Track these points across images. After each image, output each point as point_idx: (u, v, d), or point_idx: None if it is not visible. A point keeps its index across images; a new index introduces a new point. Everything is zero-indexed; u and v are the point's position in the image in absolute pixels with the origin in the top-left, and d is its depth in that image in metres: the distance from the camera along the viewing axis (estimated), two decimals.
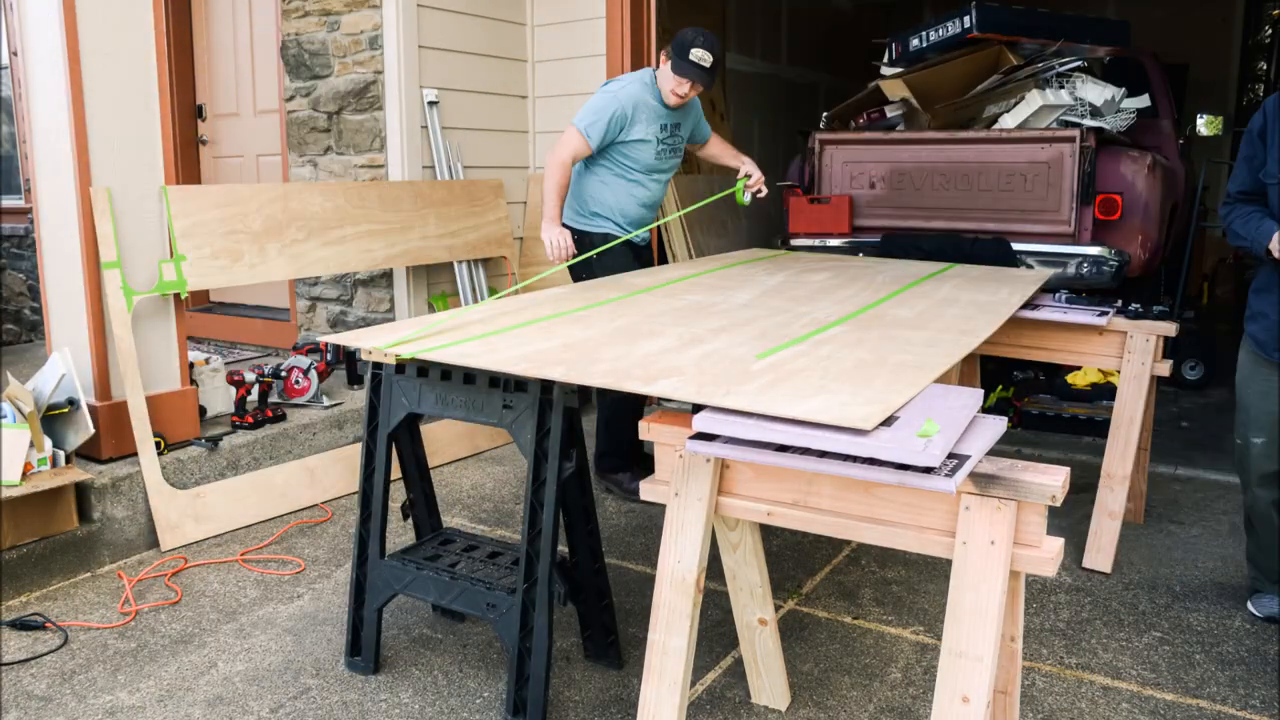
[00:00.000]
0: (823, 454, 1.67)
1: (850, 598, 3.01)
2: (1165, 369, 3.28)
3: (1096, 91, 4.82)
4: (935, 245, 4.75)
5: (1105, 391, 4.97)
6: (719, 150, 4.11)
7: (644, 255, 4.08)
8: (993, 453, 1.76)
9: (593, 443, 3.96)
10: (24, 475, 3.02)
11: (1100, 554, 3.19)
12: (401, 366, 2.44)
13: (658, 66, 3.72)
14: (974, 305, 2.87)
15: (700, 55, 3.52)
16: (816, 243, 5.20)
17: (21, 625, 2.79)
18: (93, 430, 3.23)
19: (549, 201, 3.69)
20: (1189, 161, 6.24)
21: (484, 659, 2.65)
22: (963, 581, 1.66)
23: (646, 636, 1.99)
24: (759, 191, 3.95)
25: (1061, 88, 4.86)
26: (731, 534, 2.22)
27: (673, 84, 3.61)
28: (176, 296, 3.53)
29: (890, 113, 5.47)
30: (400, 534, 3.39)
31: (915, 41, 5.32)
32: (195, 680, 2.54)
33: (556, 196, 3.69)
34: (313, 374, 4.13)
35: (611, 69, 5.02)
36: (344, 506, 3.79)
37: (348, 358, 4.45)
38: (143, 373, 3.40)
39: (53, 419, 3.22)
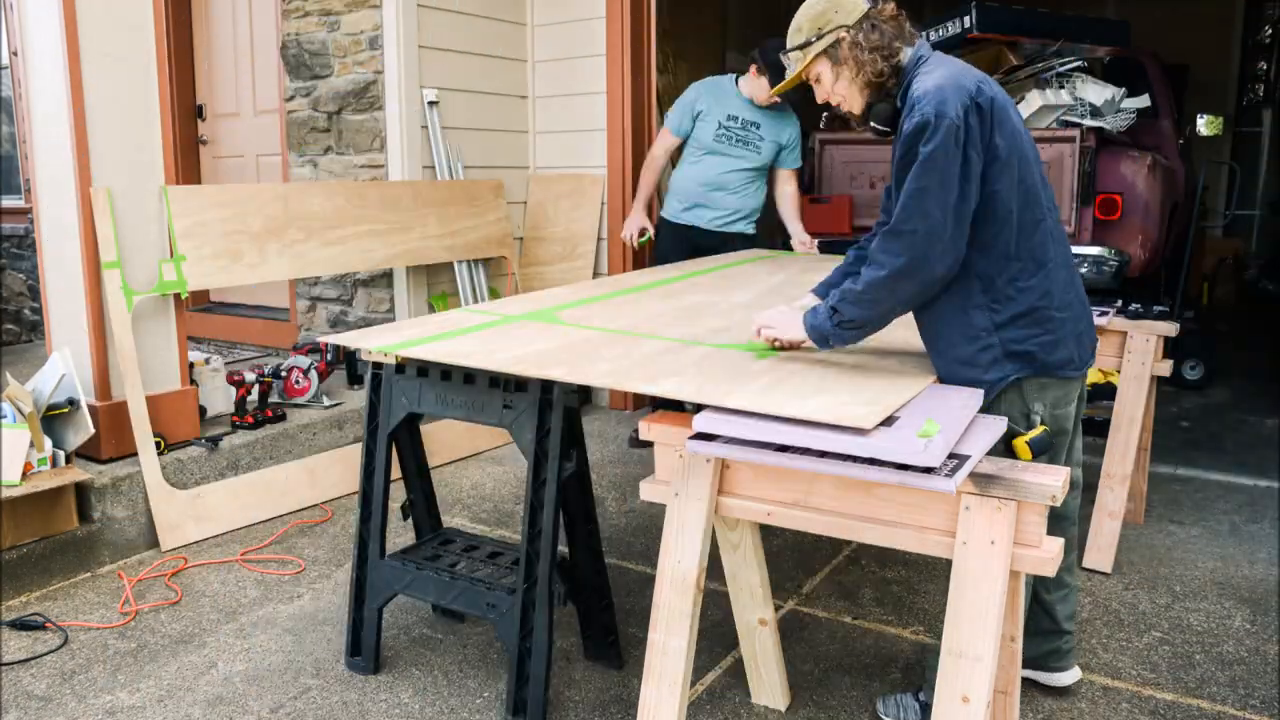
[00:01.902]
0: (823, 454, 1.68)
1: (850, 598, 3.01)
2: (1165, 369, 3.28)
3: (1096, 91, 4.82)
4: None
5: (1105, 391, 4.95)
6: (787, 200, 4.32)
7: (709, 242, 4.19)
8: (993, 453, 1.76)
9: (594, 446, 3.95)
10: (24, 475, 3.02)
11: (1100, 554, 3.19)
12: (401, 366, 2.44)
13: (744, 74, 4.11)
14: None
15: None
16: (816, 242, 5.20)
17: (21, 625, 2.79)
18: (93, 430, 3.23)
19: (637, 194, 4.39)
20: (1189, 161, 6.24)
21: (484, 659, 2.65)
22: (963, 581, 1.66)
23: (646, 636, 1.99)
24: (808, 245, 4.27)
25: (1061, 88, 4.86)
26: (731, 534, 2.22)
27: (758, 88, 4.03)
28: (177, 296, 3.53)
29: None
30: (400, 534, 3.39)
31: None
32: (195, 680, 2.54)
33: (641, 189, 4.36)
34: (313, 374, 4.13)
35: (611, 69, 5.02)
36: (344, 506, 3.79)
37: (348, 358, 4.45)
38: (143, 373, 3.40)
39: (53, 419, 3.22)
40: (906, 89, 1.97)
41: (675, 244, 4.22)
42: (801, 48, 2.07)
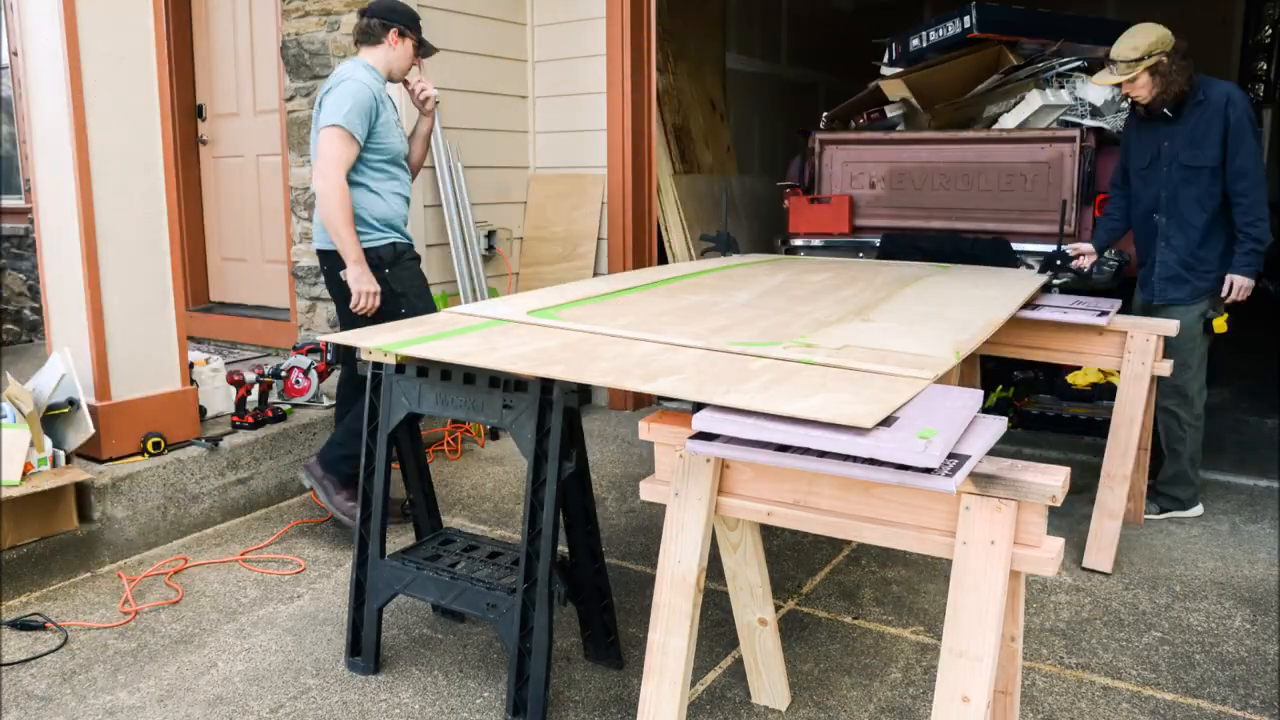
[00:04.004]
0: (823, 454, 1.68)
1: (850, 598, 3.01)
2: (1165, 369, 3.28)
3: (1096, 91, 4.82)
4: (935, 245, 4.74)
5: (1105, 391, 4.96)
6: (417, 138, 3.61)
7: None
8: (993, 453, 1.76)
9: (594, 446, 3.93)
10: (24, 475, 3.02)
11: (1100, 554, 3.19)
12: (401, 366, 2.44)
13: (374, 44, 3.43)
14: (973, 305, 2.87)
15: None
16: (817, 243, 5.21)
17: (21, 625, 2.79)
18: (93, 430, 3.23)
19: (346, 237, 3.19)
20: None
21: (484, 659, 2.65)
22: (963, 581, 1.66)
23: (646, 636, 1.99)
24: (424, 96, 3.52)
25: (1061, 88, 4.86)
26: (731, 534, 2.22)
27: (409, 61, 3.44)
28: (176, 295, 3.53)
29: (890, 113, 5.47)
30: (400, 534, 3.39)
31: (915, 41, 5.32)
32: (195, 680, 2.54)
33: (349, 225, 3.20)
34: (313, 374, 4.13)
35: (611, 69, 5.02)
36: None
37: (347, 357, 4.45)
38: (143, 373, 3.40)
39: (53, 419, 3.22)
40: (1196, 89, 3.43)
41: (421, 277, 3.46)
42: (1135, 61, 3.38)
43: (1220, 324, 3.41)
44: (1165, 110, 3.40)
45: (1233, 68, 9.34)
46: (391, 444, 2.55)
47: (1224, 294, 3.41)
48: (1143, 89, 3.38)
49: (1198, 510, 3.61)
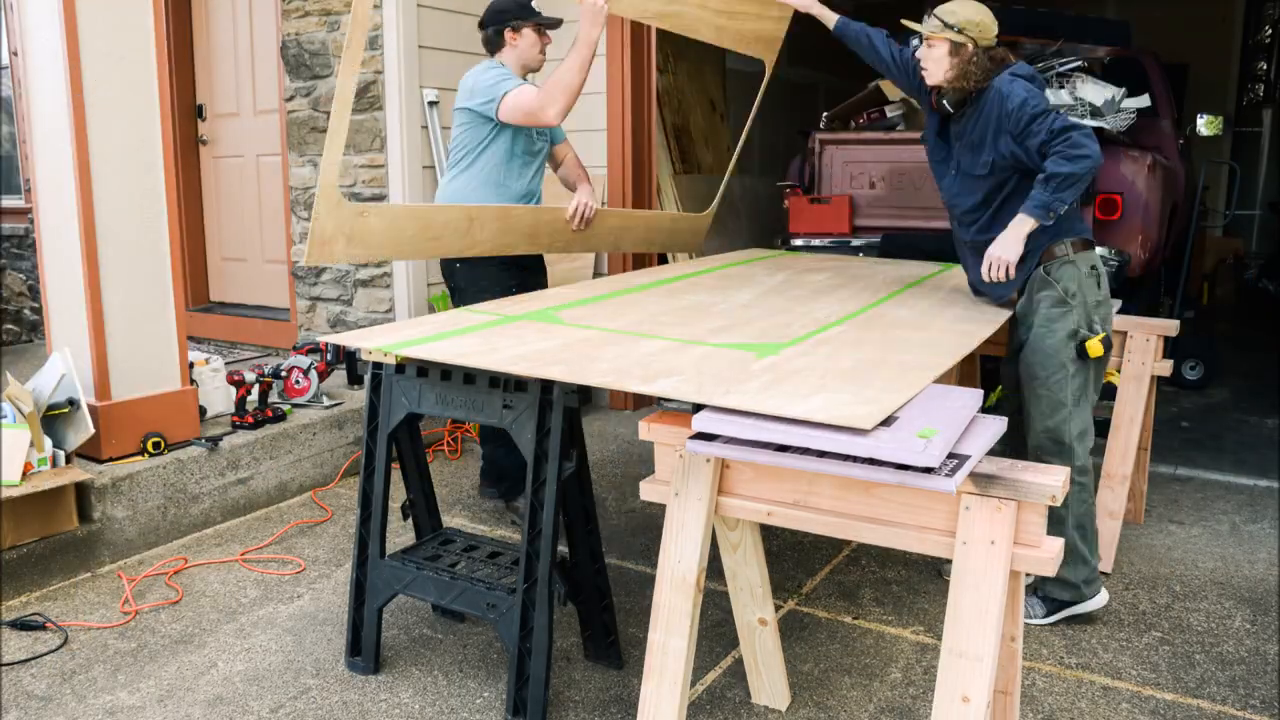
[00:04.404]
0: (822, 454, 1.68)
1: (850, 598, 3.01)
2: (1165, 369, 3.28)
3: (1096, 91, 4.82)
4: (935, 245, 4.74)
5: (1105, 391, 4.95)
6: (572, 162, 3.63)
7: (530, 264, 3.51)
8: (992, 453, 1.76)
9: (594, 446, 3.90)
10: (24, 475, 3.02)
11: (1100, 554, 3.19)
12: (401, 366, 2.45)
13: (497, 50, 3.37)
14: (974, 305, 2.87)
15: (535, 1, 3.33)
16: (817, 242, 5.21)
17: (21, 625, 2.79)
18: (93, 430, 3.23)
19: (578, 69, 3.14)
20: (1189, 161, 6.24)
21: (484, 659, 2.65)
22: (963, 581, 1.66)
23: (646, 636, 1.99)
24: (581, 215, 3.47)
25: (1061, 88, 4.86)
26: (731, 534, 2.22)
27: (538, 46, 3.35)
28: (176, 296, 3.53)
29: (890, 113, 5.48)
30: (400, 534, 3.39)
31: (915, 41, 5.31)
32: (195, 680, 2.54)
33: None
34: (313, 374, 4.13)
35: (611, 70, 5.02)
36: (344, 506, 3.79)
37: (348, 358, 4.45)
38: (143, 373, 3.40)
39: (53, 419, 3.22)
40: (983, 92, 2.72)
41: (499, 279, 3.32)
42: (947, 25, 2.71)
43: (1095, 347, 2.68)
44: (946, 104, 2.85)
45: (1233, 68, 9.35)
46: (391, 444, 2.55)
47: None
48: (933, 63, 2.78)
49: (1099, 600, 2.80)
